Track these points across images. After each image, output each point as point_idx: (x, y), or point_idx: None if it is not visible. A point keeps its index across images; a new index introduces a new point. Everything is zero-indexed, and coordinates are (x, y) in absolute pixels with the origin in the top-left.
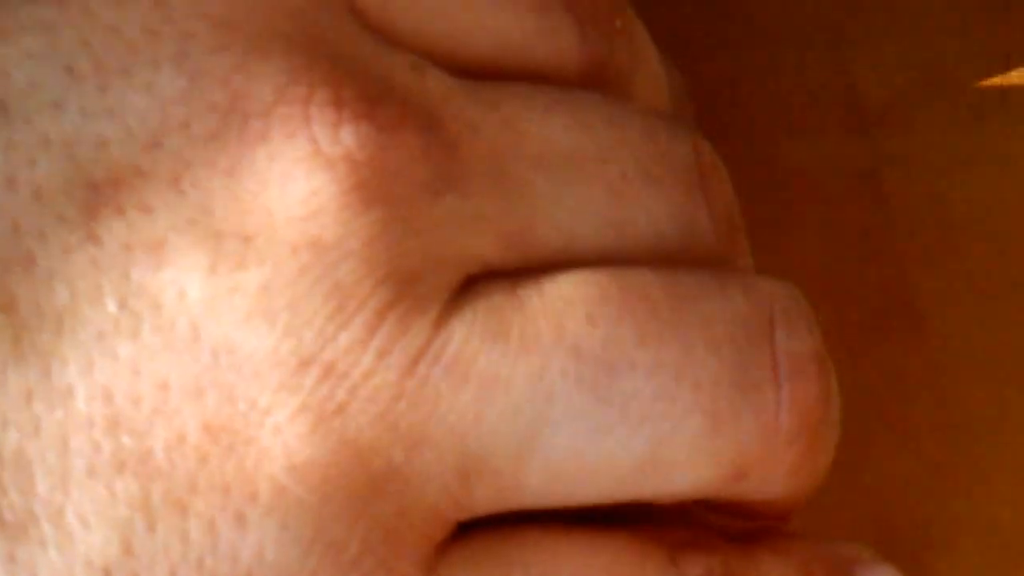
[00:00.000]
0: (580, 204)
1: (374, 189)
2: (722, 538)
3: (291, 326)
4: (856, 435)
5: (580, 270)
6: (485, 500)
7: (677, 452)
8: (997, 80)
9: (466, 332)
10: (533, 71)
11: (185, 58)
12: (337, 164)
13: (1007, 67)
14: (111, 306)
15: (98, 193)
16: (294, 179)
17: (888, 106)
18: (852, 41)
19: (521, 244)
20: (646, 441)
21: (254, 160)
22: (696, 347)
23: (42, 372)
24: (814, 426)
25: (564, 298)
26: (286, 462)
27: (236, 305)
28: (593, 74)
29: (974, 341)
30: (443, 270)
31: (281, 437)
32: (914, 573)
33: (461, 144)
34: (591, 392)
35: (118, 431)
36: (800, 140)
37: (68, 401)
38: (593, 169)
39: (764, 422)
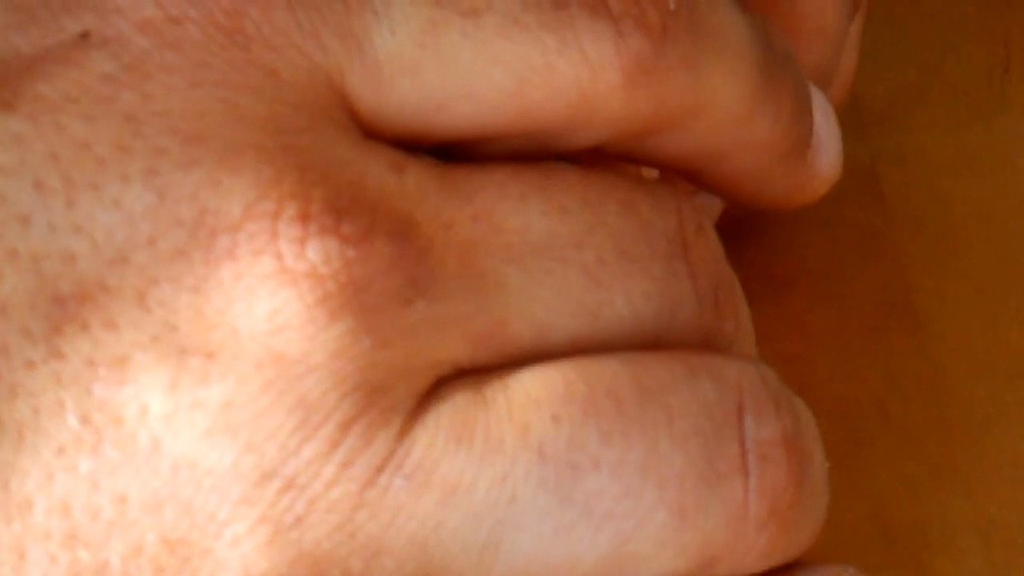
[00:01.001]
0: (554, 294)
1: (340, 302)
2: None
3: (253, 441)
4: (856, 435)
5: (547, 365)
6: None
7: (642, 547)
8: (997, 80)
9: (430, 438)
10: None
11: (154, 174)
12: (301, 280)
13: (1007, 67)
14: (72, 421)
15: (63, 308)
16: (259, 296)
17: (888, 106)
18: None
19: (492, 343)
20: (610, 539)
21: (220, 278)
22: (661, 443)
23: (1, 485)
24: (785, 510)
25: (530, 397)
26: (242, 574)
27: (197, 421)
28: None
29: (974, 341)
30: (411, 378)
31: (238, 549)
32: (914, 573)
33: (434, 246)
34: (555, 493)
35: (75, 544)
36: None
37: (26, 514)
38: (568, 255)
39: (732, 512)
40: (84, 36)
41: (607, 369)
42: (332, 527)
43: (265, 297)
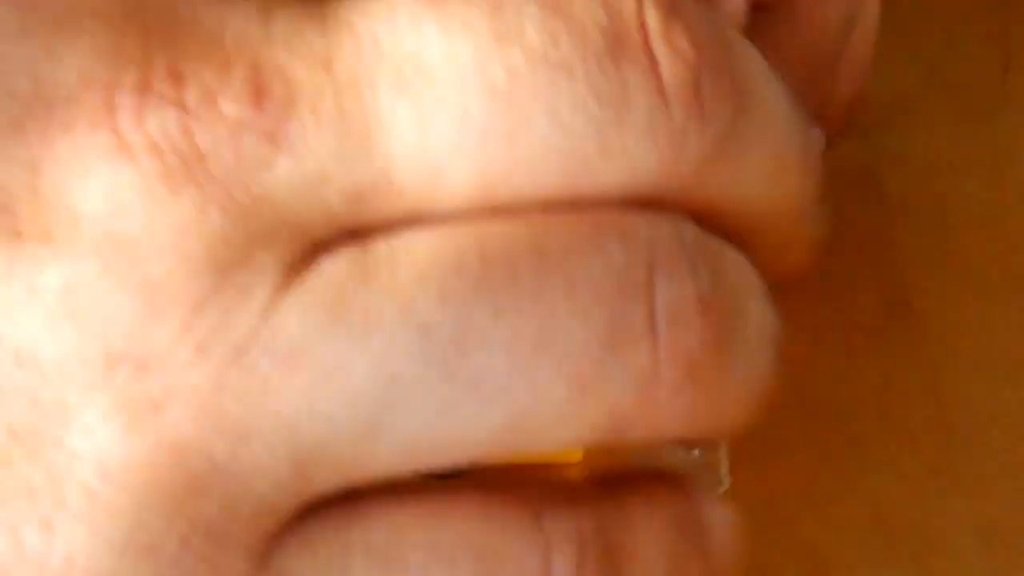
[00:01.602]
0: (454, 127)
1: (182, 175)
2: (595, 488)
3: (95, 325)
4: (856, 435)
5: (439, 229)
6: (326, 484)
7: (541, 421)
8: (997, 80)
9: (299, 316)
10: None
11: (3, 59)
12: (140, 154)
13: (1007, 67)
14: None
15: None
16: (96, 173)
17: (888, 105)
18: None
19: (375, 197)
20: (504, 415)
21: (57, 155)
22: (559, 314)
23: None
24: (704, 372)
25: (416, 270)
26: (97, 465)
27: (35, 308)
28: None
29: (974, 341)
30: (275, 247)
31: (92, 437)
32: (914, 573)
33: (303, 92)
34: (438, 371)
35: None
36: None
37: None
38: (469, 78)
39: (640, 378)
40: None
41: (506, 237)
42: (193, 412)
43: (103, 174)
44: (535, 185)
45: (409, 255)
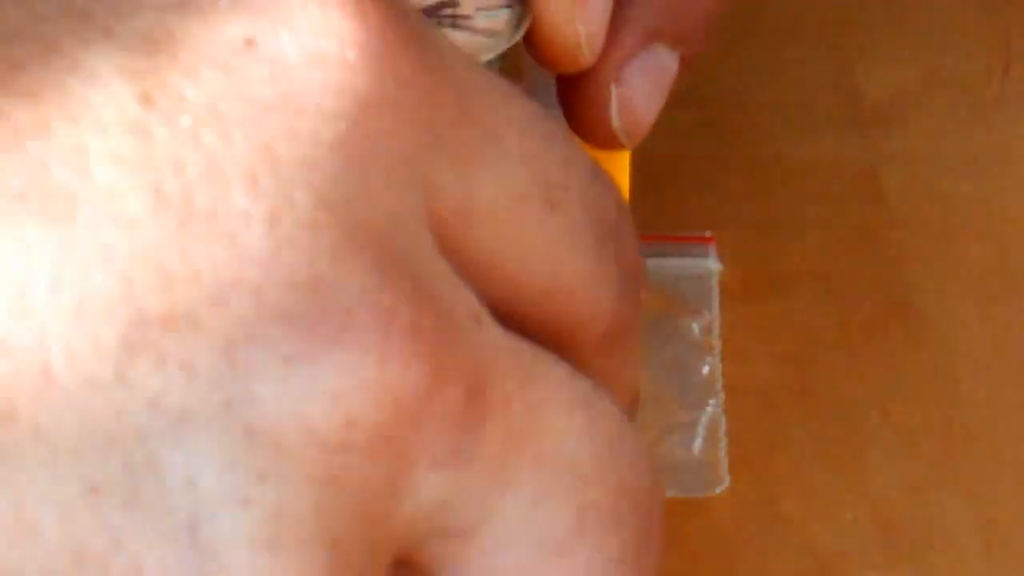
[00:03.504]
0: (546, 522)
1: (396, 433)
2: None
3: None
4: (856, 435)
5: None
6: None
7: None
8: (997, 80)
9: None
10: (569, 319)
11: (276, 223)
12: (388, 391)
13: (1007, 67)
14: (115, 464)
15: (145, 329)
16: (348, 395)
17: (888, 106)
18: (852, 41)
19: (455, 546)
20: None
21: (317, 359)
22: None
23: None
24: None
25: None
26: None
27: (234, 513)
28: (613, 337)
29: (974, 341)
30: (381, 547)
31: None
32: (914, 573)
33: (490, 417)
34: None
35: None
36: (800, 140)
37: None
38: (582, 489)
39: None
40: (249, 43)
41: None
42: None
43: (354, 398)
44: None
45: None
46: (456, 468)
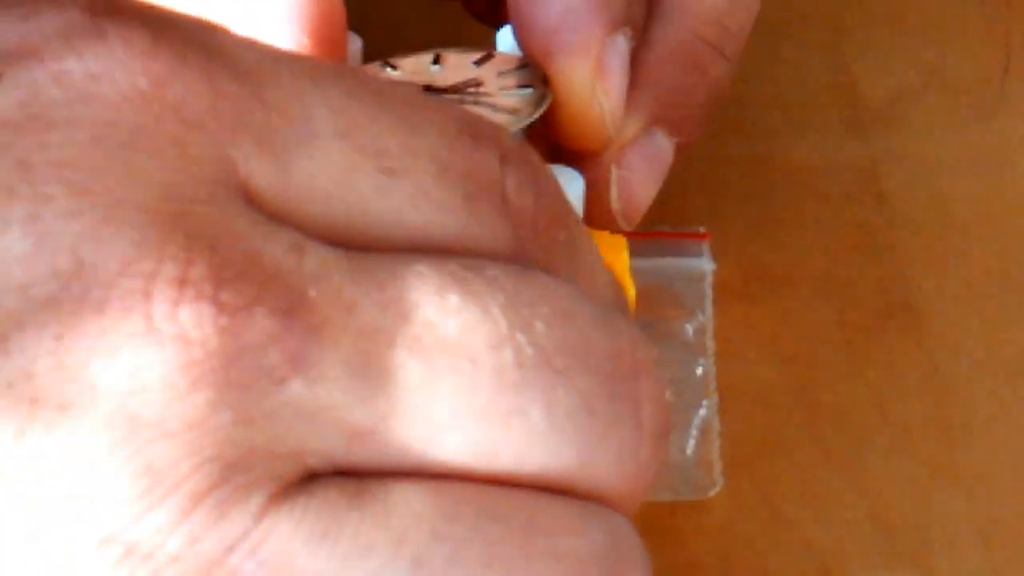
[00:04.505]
0: (457, 400)
1: (204, 371)
2: None
3: (94, 501)
4: (856, 435)
5: (434, 482)
6: None
7: None
8: (997, 80)
9: (291, 528)
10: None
11: (35, 220)
12: (168, 343)
13: (1007, 67)
14: None
15: None
16: (121, 353)
17: (888, 105)
18: (852, 41)
19: (372, 442)
20: None
21: (86, 330)
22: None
23: None
24: None
25: (410, 509)
26: None
27: (39, 474)
28: (524, 256)
29: (974, 341)
30: (274, 461)
31: None
32: (914, 573)
33: (326, 327)
34: None
35: None
36: (800, 140)
37: None
38: (482, 356)
39: None
40: None
41: (496, 501)
42: None
43: (128, 355)
44: (521, 466)
45: (404, 497)
46: (306, 374)
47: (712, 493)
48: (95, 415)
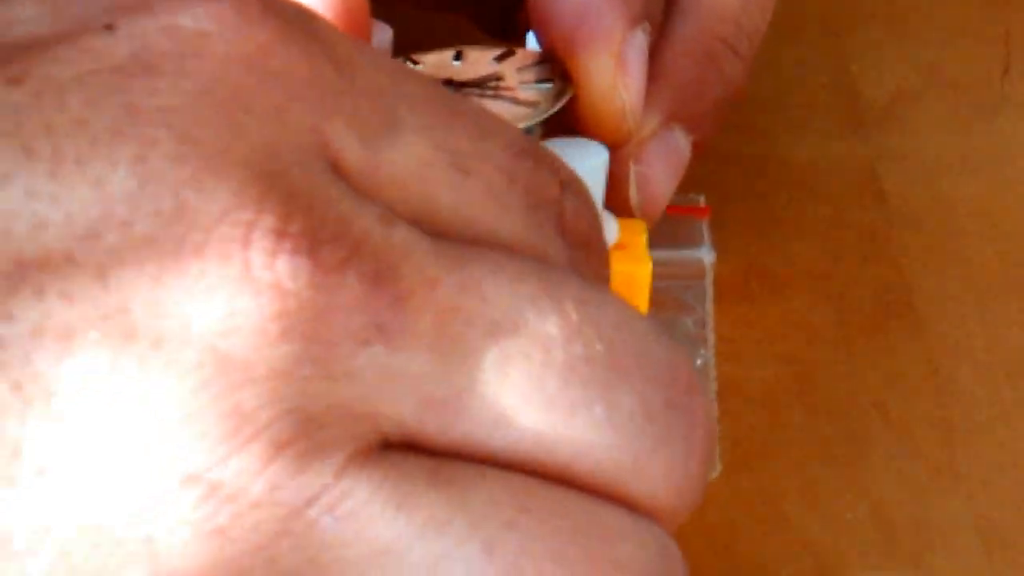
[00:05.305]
0: (526, 386)
1: (296, 324)
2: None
3: (181, 439)
4: (856, 435)
5: (504, 472)
6: None
7: None
8: (997, 80)
9: (369, 493)
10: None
11: (141, 162)
12: (264, 291)
13: (1007, 67)
14: (2, 387)
15: (23, 271)
16: (218, 296)
17: (888, 105)
18: (852, 41)
19: (444, 413)
20: None
21: (184, 271)
22: None
23: None
24: None
25: (487, 498)
26: (151, 570)
27: (129, 409)
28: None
29: (974, 341)
30: (352, 421)
31: (151, 546)
32: (914, 573)
33: (411, 299)
34: None
35: None
36: (800, 140)
37: None
38: (553, 347)
39: None
40: (108, 28)
41: (568, 503)
42: (253, 547)
43: (223, 297)
44: (579, 461)
45: (479, 478)
46: (389, 340)
47: (712, 476)
48: (188, 353)
